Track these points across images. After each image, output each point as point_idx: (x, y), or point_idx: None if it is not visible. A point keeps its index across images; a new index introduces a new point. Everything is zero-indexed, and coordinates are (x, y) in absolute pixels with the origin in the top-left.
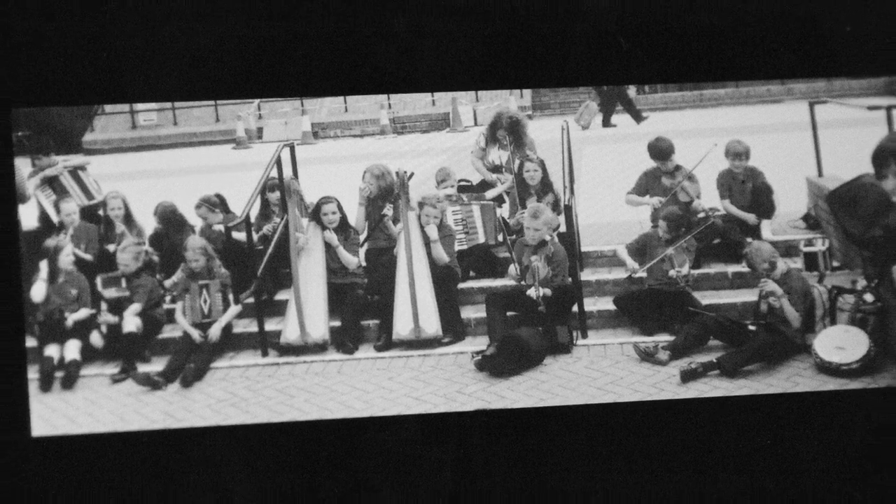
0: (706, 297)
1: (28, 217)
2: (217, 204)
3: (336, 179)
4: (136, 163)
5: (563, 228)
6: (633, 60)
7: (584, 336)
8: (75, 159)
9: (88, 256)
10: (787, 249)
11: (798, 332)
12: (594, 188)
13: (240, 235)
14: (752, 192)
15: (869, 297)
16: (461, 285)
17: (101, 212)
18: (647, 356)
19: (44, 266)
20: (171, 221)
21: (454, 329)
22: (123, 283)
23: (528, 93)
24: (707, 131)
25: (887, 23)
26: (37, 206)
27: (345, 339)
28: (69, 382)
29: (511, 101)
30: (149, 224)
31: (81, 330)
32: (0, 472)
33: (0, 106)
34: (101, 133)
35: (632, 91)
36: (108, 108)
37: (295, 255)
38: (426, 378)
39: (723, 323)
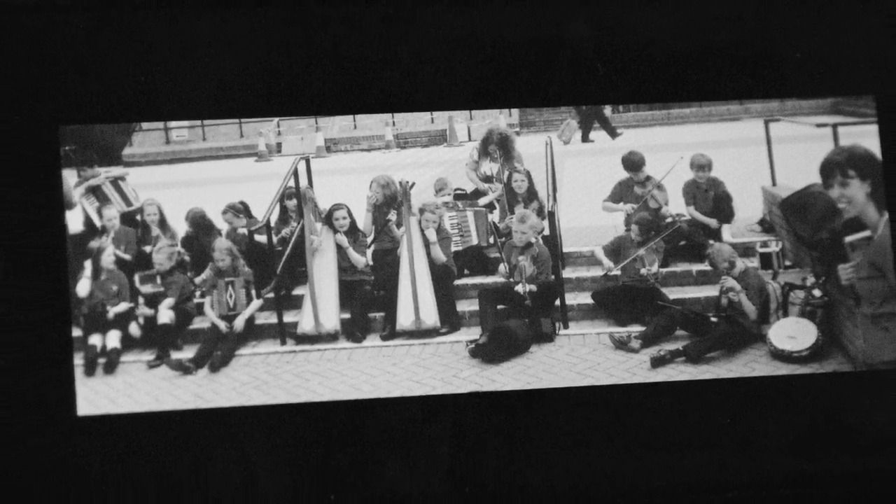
0: (673, 293)
1: (74, 222)
2: (241, 210)
3: (346, 189)
4: (169, 174)
5: (546, 232)
6: (608, 83)
7: (566, 327)
8: (116, 170)
9: (127, 256)
10: (745, 250)
11: (754, 324)
12: (574, 196)
13: (261, 238)
14: (713, 199)
15: (817, 293)
16: (457, 282)
17: (138, 217)
18: (621, 344)
19: (88, 265)
20: (200, 225)
21: (451, 320)
22: (158, 280)
23: (516, 112)
24: (674, 146)
25: (832, 50)
26: (82, 212)
27: (354, 330)
28: (110, 368)
29: (501, 119)
30: (181, 228)
31: (121, 321)
32: (50, 446)
33: (50, 123)
34: (139, 147)
35: (607, 110)
36: (145, 125)
37: (310, 256)
38: (426, 364)
39: (688, 315)
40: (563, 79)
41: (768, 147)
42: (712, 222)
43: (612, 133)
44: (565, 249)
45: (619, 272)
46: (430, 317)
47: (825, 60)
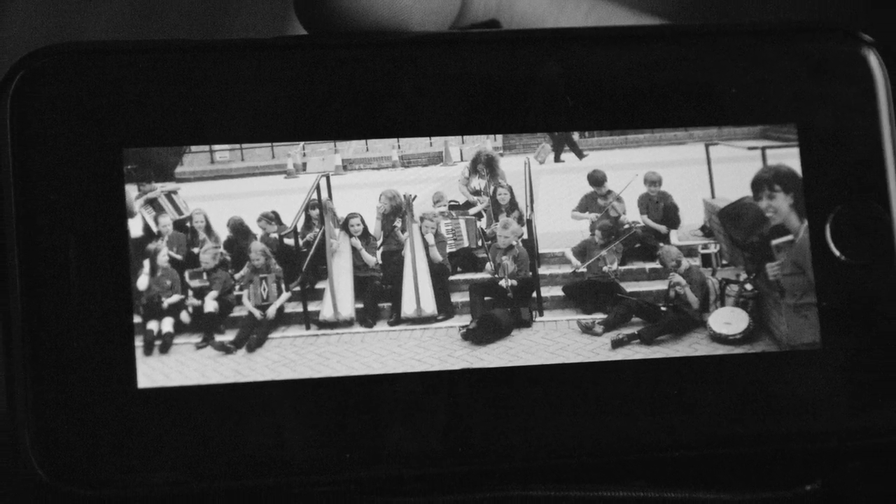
0: (630, 286)
1: (135, 228)
2: (273, 218)
3: (360, 200)
4: (213, 188)
5: (525, 236)
6: (576, 113)
7: (541, 315)
8: (169, 185)
9: (179, 256)
10: (689, 251)
11: (697, 312)
12: (548, 206)
13: (289, 241)
14: (663, 209)
15: (749, 287)
16: (451, 278)
17: (188, 224)
18: (587, 329)
19: (146, 264)
20: (239, 231)
21: (446, 310)
22: (205, 276)
23: (500, 137)
24: (630, 165)
25: (761, 86)
26: (141, 220)
27: (366, 317)
28: (165, 349)
29: (487, 143)
30: (223, 233)
31: (174, 310)
32: (115, 413)
33: (114, 146)
34: (188, 166)
35: (575, 136)
36: (194, 148)
37: (329, 256)
38: (425, 345)
39: (642, 305)
40: (539, 109)
41: (708, 166)
42: (662, 228)
43: (580, 154)
44: (541, 251)
45: (585, 269)
46: (429, 306)
47: (755, 94)
